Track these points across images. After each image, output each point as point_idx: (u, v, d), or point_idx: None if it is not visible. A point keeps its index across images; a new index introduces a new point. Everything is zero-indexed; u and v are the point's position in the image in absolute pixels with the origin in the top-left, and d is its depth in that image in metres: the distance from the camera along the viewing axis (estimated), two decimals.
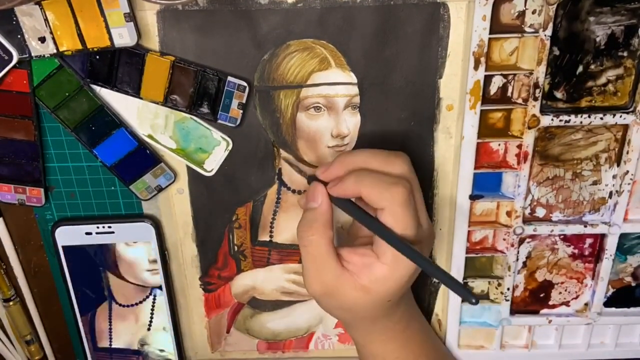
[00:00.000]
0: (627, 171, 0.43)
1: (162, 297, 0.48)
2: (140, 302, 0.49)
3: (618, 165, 0.43)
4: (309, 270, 0.38)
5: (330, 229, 0.37)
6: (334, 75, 0.41)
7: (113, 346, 0.50)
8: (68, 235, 0.46)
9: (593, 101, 0.42)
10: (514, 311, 0.49)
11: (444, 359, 0.48)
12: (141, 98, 0.41)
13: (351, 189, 0.36)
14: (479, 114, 0.41)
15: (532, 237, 0.46)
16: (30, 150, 0.43)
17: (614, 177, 0.44)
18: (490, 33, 0.38)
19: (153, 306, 0.49)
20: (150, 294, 0.48)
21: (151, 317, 0.49)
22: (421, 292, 0.49)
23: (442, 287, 0.49)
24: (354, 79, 0.41)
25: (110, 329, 0.50)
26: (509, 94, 0.41)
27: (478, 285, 0.48)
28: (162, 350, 0.51)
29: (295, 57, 0.40)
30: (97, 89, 0.41)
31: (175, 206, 0.46)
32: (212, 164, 0.44)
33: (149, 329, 0.50)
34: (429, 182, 0.44)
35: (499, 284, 0.47)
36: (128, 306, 0.49)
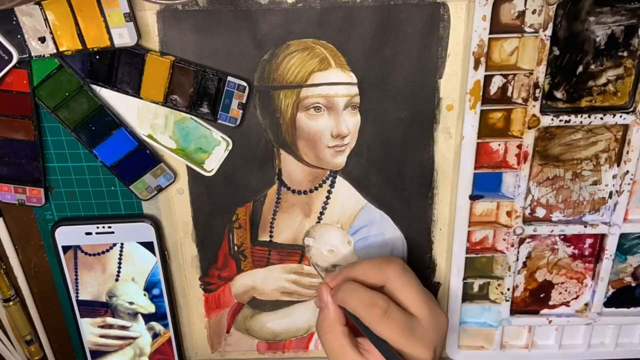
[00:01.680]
0: (627, 171, 0.43)
1: (129, 246, 0.47)
2: (107, 251, 0.47)
3: (618, 165, 0.43)
4: None
5: (340, 324, 0.41)
6: (334, 75, 0.41)
7: (79, 298, 0.49)
8: (68, 235, 0.46)
9: (593, 101, 0.42)
10: (514, 311, 0.49)
11: None
12: (141, 98, 0.41)
13: (340, 303, 0.41)
14: (479, 114, 0.41)
15: (532, 237, 0.46)
16: (30, 150, 0.43)
17: (614, 177, 0.44)
18: (490, 33, 0.38)
19: (120, 255, 0.47)
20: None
21: (119, 268, 0.48)
22: None
23: (443, 287, 0.49)
24: (354, 79, 0.41)
25: (76, 279, 0.48)
26: (509, 94, 0.41)
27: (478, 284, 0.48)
28: (131, 303, 0.49)
29: (295, 57, 0.40)
30: (97, 89, 0.41)
31: (175, 206, 0.46)
32: (212, 164, 0.44)
33: (117, 280, 0.48)
34: (429, 182, 0.44)
35: (499, 284, 0.47)
36: (94, 255, 0.47)
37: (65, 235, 0.46)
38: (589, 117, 0.41)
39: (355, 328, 0.41)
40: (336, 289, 0.42)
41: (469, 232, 0.45)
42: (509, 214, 0.45)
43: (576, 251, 0.47)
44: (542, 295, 0.49)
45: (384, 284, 0.41)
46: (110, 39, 0.38)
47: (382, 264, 0.41)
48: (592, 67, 0.40)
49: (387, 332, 0.38)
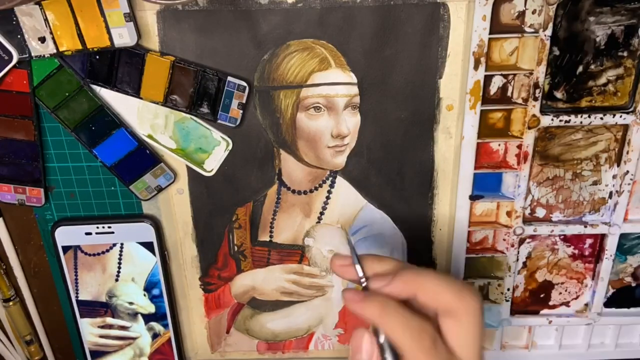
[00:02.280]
0: (627, 171, 0.43)
1: (129, 247, 0.46)
2: (107, 251, 0.47)
3: (618, 165, 0.43)
4: None
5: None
6: (334, 75, 0.41)
7: (79, 298, 0.49)
8: (68, 236, 0.46)
9: (593, 101, 0.41)
10: (514, 311, 0.49)
11: None
12: (141, 98, 0.41)
13: (372, 318, 0.32)
14: (479, 114, 0.41)
15: (532, 237, 0.46)
16: (30, 150, 0.43)
17: (614, 177, 0.44)
18: (490, 33, 0.38)
19: (120, 256, 0.47)
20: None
21: (119, 268, 0.48)
22: None
23: None
24: (354, 79, 0.41)
25: (76, 279, 0.48)
26: (509, 94, 0.41)
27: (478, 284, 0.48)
28: (131, 303, 0.49)
29: (295, 57, 0.40)
30: (97, 89, 0.41)
31: (175, 206, 0.46)
32: (212, 164, 0.44)
33: (116, 280, 0.48)
34: (429, 182, 0.44)
35: (499, 285, 0.47)
36: (94, 255, 0.47)
37: (65, 235, 0.46)
38: (589, 117, 0.41)
39: None
40: (372, 296, 0.32)
41: (469, 232, 0.45)
42: (509, 214, 0.45)
43: (576, 251, 0.47)
44: (542, 296, 0.49)
45: (453, 311, 0.32)
46: (110, 39, 0.38)
47: (464, 290, 0.32)
48: (592, 67, 0.40)
49: None
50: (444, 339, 0.32)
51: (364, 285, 0.34)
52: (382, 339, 0.33)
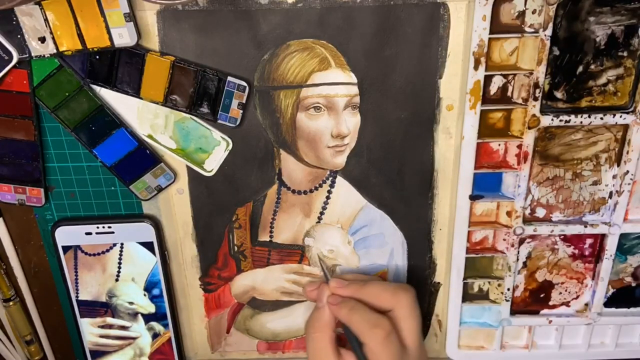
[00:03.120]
0: (627, 171, 0.43)
1: (129, 247, 0.47)
2: (107, 251, 0.47)
3: (618, 165, 0.43)
4: None
5: (331, 329, 0.42)
6: (334, 75, 0.41)
7: (79, 298, 0.49)
8: (68, 236, 0.46)
9: (593, 101, 0.41)
10: (514, 311, 0.49)
11: None
12: (141, 98, 0.41)
13: (343, 316, 0.42)
14: (479, 114, 0.41)
15: (532, 237, 0.46)
16: (30, 150, 0.43)
17: (614, 177, 0.44)
18: (490, 33, 0.38)
19: (120, 256, 0.47)
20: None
21: (119, 268, 0.48)
22: (421, 292, 0.49)
23: (442, 287, 0.49)
24: (354, 79, 0.41)
25: (76, 279, 0.48)
26: (509, 94, 0.41)
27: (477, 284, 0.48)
28: (131, 303, 0.49)
29: (295, 57, 0.40)
30: (97, 89, 0.41)
31: (175, 206, 0.46)
32: (212, 164, 0.44)
33: (117, 280, 0.48)
34: (429, 182, 0.44)
35: (499, 284, 0.47)
36: (94, 255, 0.47)
37: (65, 235, 0.46)
38: (589, 117, 0.41)
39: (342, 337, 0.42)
40: (341, 302, 0.42)
41: (469, 232, 0.45)
42: (509, 214, 0.45)
43: (576, 251, 0.47)
44: (542, 295, 0.49)
45: (392, 308, 0.41)
46: (110, 39, 0.38)
47: (397, 290, 0.42)
48: (592, 67, 0.40)
49: (382, 355, 0.39)
50: (397, 332, 0.41)
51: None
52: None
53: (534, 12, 0.38)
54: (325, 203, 0.45)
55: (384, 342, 0.39)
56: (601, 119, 0.41)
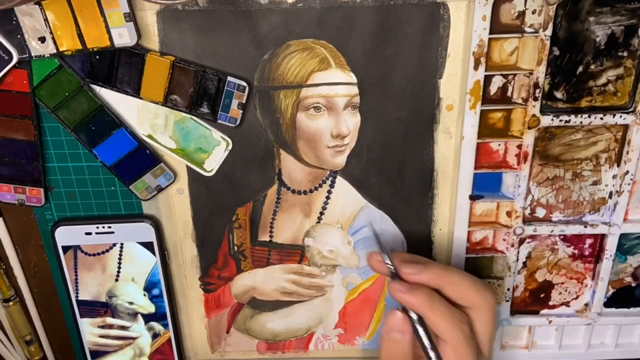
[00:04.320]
0: (627, 171, 0.43)
1: (129, 247, 0.46)
2: (107, 251, 0.47)
3: (618, 165, 0.43)
4: None
5: (410, 333, 0.37)
6: (334, 75, 0.41)
7: (79, 298, 0.49)
8: (68, 236, 0.46)
9: (593, 101, 0.42)
10: (514, 311, 0.49)
11: None
12: (141, 98, 0.41)
13: (421, 308, 0.37)
14: (479, 114, 0.41)
15: (532, 237, 0.46)
16: (30, 150, 0.43)
17: (614, 177, 0.44)
18: (490, 33, 0.38)
19: (120, 256, 0.47)
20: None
21: (119, 268, 0.48)
22: None
23: None
24: (354, 79, 0.41)
25: (76, 279, 0.48)
26: (509, 94, 0.41)
27: None
28: (131, 303, 0.49)
29: (295, 57, 0.40)
30: (97, 89, 0.41)
31: (175, 206, 0.46)
32: (212, 164, 0.44)
33: (116, 280, 0.48)
34: (429, 182, 0.44)
35: (499, 285, 0.47)
36: (94, 255, 0.47)
37: (65, 235, 0.46)
38: (589, 117, 0.41)
39: None
40: (417, 289, 0.37)
41: (469, 232, 0.45)
42: (509, 214, 0.45)
43: (576, 251, 0.47)
44: (542, 296, 0.49)
45: (474, 307, 0.37)
46: (110, 39, 0.38)
47: (485, 288, 0.38)
48: (592, 67, 0.40)
49: (465, 356, 0.35)
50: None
51: (392, 272, 0.39)
52: (413, 316, 0.37)
53: (534, 12, 0.38)
54: (325, 203, 0.46)
55: (468, 342, 0.35)
56: (601, 119, 0.41)
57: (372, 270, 0.41)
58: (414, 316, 0.37)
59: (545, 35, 0.38)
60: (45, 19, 0.38)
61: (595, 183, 0.44)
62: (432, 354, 0.36)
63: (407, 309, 0.37)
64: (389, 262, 0.39)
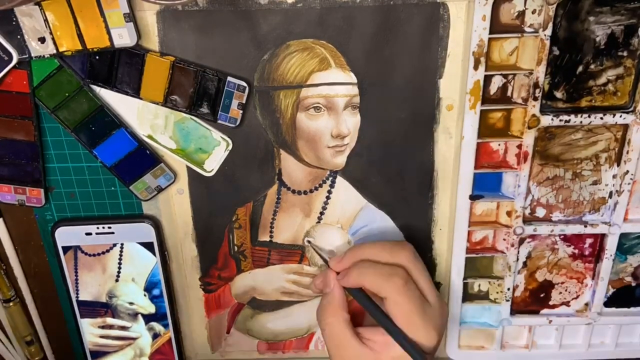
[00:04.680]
0: (627, 171, 0.43)
1: (129, 247, 0.47)
2: (107, 252, 0.47)
3: (618, 165, 0.43)
4: (332, 352, 0.41)
5: (344, 310, 0.41)
6: (334, 75, 0.41)
7: (80, 298, 0.49)
8: (68, 236, 0.46)
9: (593, 101, 0.42)
10: (514, 311, 0.49)
11: None
12: (141, 98, 0.41)
13: (355, 280, 0.40)
14: (479, 114, 0.41)
15: (532, 237, 0.46)
16: (30, 151, 0.43)
17: (614, 177, 0.44)
18: (490, 33, 0.38)
19: (120, 256, 0.47)
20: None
21: (119, 268, 0.48)
22: None
23: (443, 288, 0.49)
24: (354, 79, 0.41)
25: (76, 279, 0.48)
26: (508, 94, 0.41)
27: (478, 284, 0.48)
28: (131, 303, 0.49)
29: (295, 57, 0.40)
30: (97, 89, 0.41)
31: (175, 206, 0.46)
32: (212, 164, 0.44)
33: (117, 280, 0.48)
34: (429, 182, 0.44)
35: (499, 284, 0.47)
36: (94, 255, 0.47)
37: (65, 236, 0.46)
38: (589, 117, 0.41)
39: (355, 318, 0.41)
40: (346, 271, 0.41)
41: (469, 232, 0.45)
42: (509, 214, 0.45)
43: (576, 251, 0.47)
44: (542, 295, 0.49)
45: (398, 265, 0.40)
46: (110, 39, 0.38)
47: (395, 247, 0.41)
48: (592, 67, 0.40)
49: (405, 304, 0.38)
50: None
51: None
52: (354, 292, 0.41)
53: (533, 12, 0.38)
54: (325, 203, 0.45)
55: (404, 289, 0.38)
56: (601, 118, 0.41)
57: (318, 292, 0.45)
58: (355, 292, 0.41)
59: (545, 35, 0.38)
60: (45, 20, 0.38)
61: (595, 183, 0.44)
62: (373, 316, 0.40)
63: (350, 290, 0.42)
64: (327, 261, 0.45)
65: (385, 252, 0.41)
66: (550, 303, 0.49)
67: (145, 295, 0.48)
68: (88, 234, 0.46)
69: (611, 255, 0.46)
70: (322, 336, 0.41)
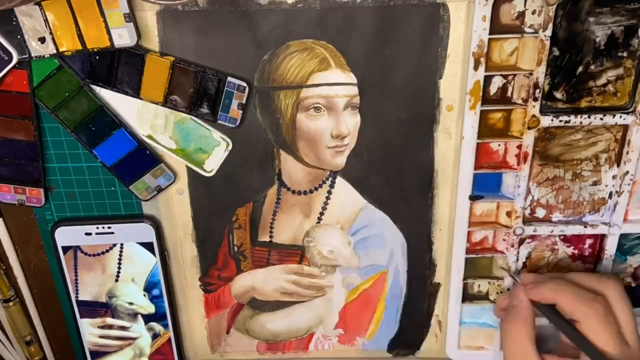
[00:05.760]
0: (627, 171, 0.43)
1: (128, 247, 0.47)
2: (107, 252, 0.47)
3: (618, 165, 0.43)
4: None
5: (530, 325, 0.39)
6: (334, 75, 0.41)
7: (79, 298, 0.49)
8: (68, 236, 0.46)
9: (593, 101, 0.41)
10: None
11: None
12: (141, 98, 0.41)
13: (548, 294, 0.39)
14: (479, 114, 0.41)
15: (532, 237, 0.46)
16: (30, 151, 0.43)
17: (614, 177, 0.44)
18: (490, 33, 0.38)
19: (120, 256, 0.47)
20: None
21: (119, 268, 0.48)
22: (421, 292, 0.49)
23: (442, 288, 0.49)
24: (354, 79, 0.41)
25: (76, 279, 0.48)
26: (508, 94, 0.41)
27: (478, 285, 0.48)
28: (131, 303, 0.49)
29: (295, 57, 0.40)
30: (97, 89, 0.41)
31: (175, 206, 0.46)
32: (212, 165, 0.44)
33: (116, 280, 0.48)
34: (429, 183, 0.44)
35: (499, 285, 0.47)
36: (94, 255, 0.47)
37: (65, 236, 0.46)
38: (589, 117, 0.41)
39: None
40: (538, 283, 0.40)
41: (469, 232, 0.45)
42: (509, 214, 0.45)
43: (576, 251, 0.47)
44: None
45: (601, 294, 0.38)
46: (110, 39, 0.38)
47: (603, 277, 0.39)
48: (592, 67, 0.40)
49: (603, 333, 0.36)
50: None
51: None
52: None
53: (533, 12, 0.38)
54: (325, 203, 0.45)
55: (604, 318, 0.36)
56: (601, 119, 0.41)
57: (499, 314, 0.44)
58: (544, 307, 0.39)
59: (545, 36, 0.38)
60: (45, 20, 0.38)
61: (595, 183, 0.44)
62: (565, 332, 0.37)
63: (538, 305, 0.40)
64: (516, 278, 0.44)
65: (591, 278, 0.39)
66: None
67: (145, 295, 0.48)
68: (88, 234, 0.46)
69: (611, 256, 0.46)
70: (504, 348, 0.40)
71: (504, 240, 0.46)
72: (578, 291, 0.38)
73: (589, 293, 0.38)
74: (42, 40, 0.39)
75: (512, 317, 0.41)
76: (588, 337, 0.36)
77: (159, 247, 0.46)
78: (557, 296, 0.38)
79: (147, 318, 0.49)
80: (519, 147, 0.42)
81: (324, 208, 0.46)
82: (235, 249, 0.47)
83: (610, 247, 0.45)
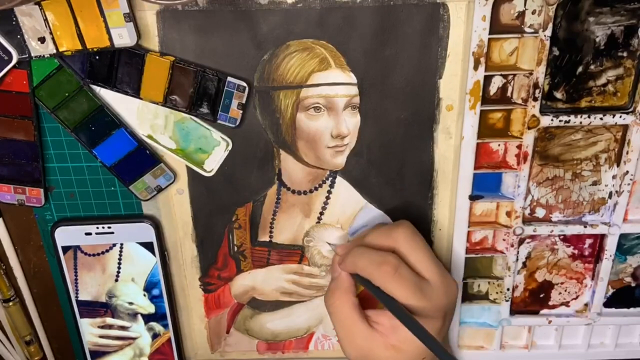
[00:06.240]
0: (627, 171, 0.43)
1: (128, 247, 0.47)
2: (107, 251, 0.47)
3: (618, 165, 0.43)
4: (340, 335, 0.40)
5: (351, 294, 0.40)
6: (334, 75, 0.41)
7: (79, 298, 0.49)
8: (68, 236, 0.46)
9: (593, 101, 0.42)
10: (513, 311, 0.49)
11: None
12: (141, 98, 0.41)
13: (350, 267, 0.40)
14: (479, 114, 0.41)
15: (532, 237, 0.46)
16: (30, 151, 0.43)
17: (614, 177, 0.44)
18: (490, 33, 0.38)
19: (120, 256, 0.47)
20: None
21: (119, 268, 0.48)
22: None
23: None
24: (354, 79, 0.41)
25: (76, 279, 0.48)
26: (508, 94, 0.41)
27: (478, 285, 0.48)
28: (131, 303, 0.49)
29: (295, 57, 0.40)
30: (97, 89, 0.41)
31: (175, 206, 0.46)
32: (211, 165, 0.44)
33: (116, 280, 0.48)
34: (429, 182, 0.44)
35: (499, 285, 0.47)
36: (94, 255, 0.47)
37: (65, 236, 0.46)
38: (589, 117, 0.41)
39: (365, 302, 0.41)
40: (344, 256, 0.41)
41: (468, 232, 0.45)
42: (508, 214, 0.45)
43: (576, 251, 0.47)
44: (541, 296, 0.49)
45: (393, 248, 0.40)
46: (110, 39, 0.38)
47: (391, 228, 0.41)
48: (592, 67, 0.40)
49: (398, 291, 0.38)
50: (410, 267, 0.39)
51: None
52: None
53: (533, 12, 0.38)
54: (325, 203, 0.46)
55: (394, 277, 0.38)
56: (601, 119, 0.41)
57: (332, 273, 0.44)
58: (357, 277, 0.41)
59: (545, 36, 0.38)
60: (45, 19, 0.38)
61: (595, 183, 0.44)
62: (377, 296, 0.39)
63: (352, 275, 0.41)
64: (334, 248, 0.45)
65: (382, 235, 0.41)
66: (550, 303, 0.49)
67: (144, 295, 0.48)
68: (88, 233, 0.46)
69: (611, 256, 0.46)
70: (332, 323, 0.41)
71: (503, 240, 0.46)
72: (370, 257, 0.39)
73: (378, 255, 0.39)
74: (42, 40, 0.39)
75: (332, 289, 0.41)
76: (395, 299, 0.38)
77: (159, 247, 0.46)
78: (356, 268, 0.40)
79: (147, 318, 0.49)
80: (519, 147, 0.42)
81: (323, 208, 0.46)
82: (235, 248, 0.47)
83: (610, 247, 0.45)
